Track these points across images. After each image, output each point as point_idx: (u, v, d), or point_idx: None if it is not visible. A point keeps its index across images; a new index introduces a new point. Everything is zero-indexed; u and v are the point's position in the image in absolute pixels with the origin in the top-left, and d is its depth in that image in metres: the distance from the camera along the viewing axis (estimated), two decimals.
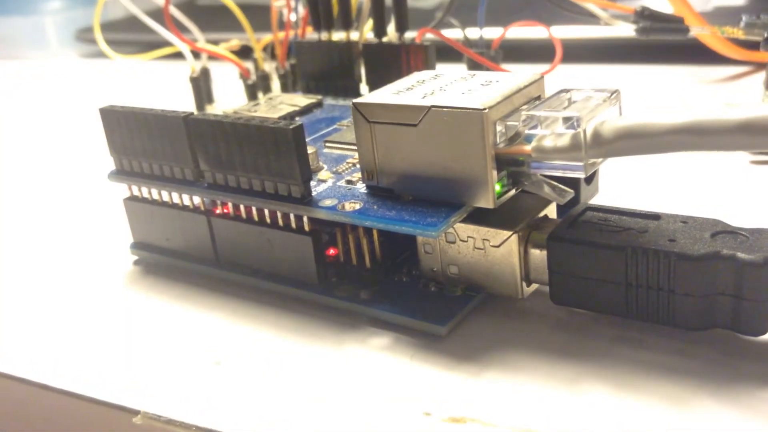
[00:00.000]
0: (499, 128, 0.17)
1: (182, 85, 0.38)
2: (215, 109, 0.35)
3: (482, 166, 0.17)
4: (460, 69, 0.20)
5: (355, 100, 0.19)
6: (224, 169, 0.20)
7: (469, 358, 0.17)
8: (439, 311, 0.18)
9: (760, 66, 0.39)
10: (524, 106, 0.18)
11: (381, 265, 0.20)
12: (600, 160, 0.17)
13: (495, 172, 0.17)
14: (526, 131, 0.17)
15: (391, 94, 0.19)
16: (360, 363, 0.18)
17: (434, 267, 0.19)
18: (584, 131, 0.16)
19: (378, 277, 0.20)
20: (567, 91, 0.18)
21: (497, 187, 0.18)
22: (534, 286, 0.19)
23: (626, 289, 0.17)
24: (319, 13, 0.28)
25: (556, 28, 0.37)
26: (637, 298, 0.17)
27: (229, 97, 0.37)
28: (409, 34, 0.27)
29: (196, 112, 0.34)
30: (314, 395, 0.17)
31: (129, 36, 0.56)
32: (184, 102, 0.37)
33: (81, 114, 0.46)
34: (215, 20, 0.43)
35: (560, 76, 0.32)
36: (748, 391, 0.15)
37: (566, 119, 0.16)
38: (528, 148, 0.17)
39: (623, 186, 0.24)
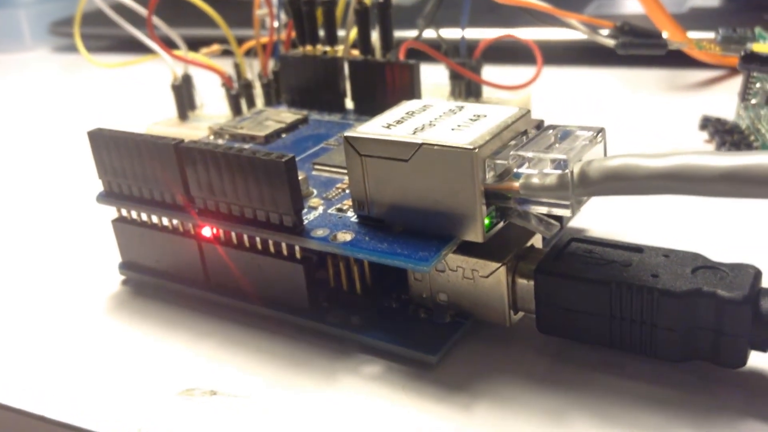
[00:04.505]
0: (488, 164, 0.18)
1: (160, 81, 0.38)
2: (198, 117, 0.35)
3: (472, 202, 0.18)
4: (447, 101, 0.20)
5: (346, 134, 0.19)
6: (215, 196, 0.21)
7: (459, 388, 0.18)
8: (430, 340, 0.19)
9: (735, 70, 0.40)
10: (512, 141, 0.18)
11: (371, 290, 0.20)
12: (586, 198, 0.18)
13: (484, 208, 0.18)
14: (515, 169, 0.17)
15: (382, 127, 0.19)
16: (353, 394, 0.18)
17: (424, 293, 0.20)
18: (571, 172, 0.17)
19: (368, 303, 0.20)
20: (553, 127, 0.18)
21: (486, 221, 0.18)
22: (520, 313, 0.19)
23: (610, 322, 0.17)
24: (304, 27, 0.28)
25: (535, 30, 0.37)
26: (621, 330, 0.17)
27: (212, 102, 0.37)
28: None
29: (180, 120, 0.34)
30: (308, 427, 0.17)
31: (105, 30, 0.56)
32: (163, 100, 0.37)
33: (57, 113, 0.46)
34: (194, 13, 0.42)
35: (539, 80, 0.33)
36: (727, 421, 0.16)
37: (554, 160, 0.17)
38: (516, 184, 0.18)
39: (603, 205, 0.24)
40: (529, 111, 0.19)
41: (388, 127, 0.19)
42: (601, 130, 0.18)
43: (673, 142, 0.31)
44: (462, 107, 0.20)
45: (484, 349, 0.19)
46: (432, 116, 0.19)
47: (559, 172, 0.17)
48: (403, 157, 0.18)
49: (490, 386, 0.18)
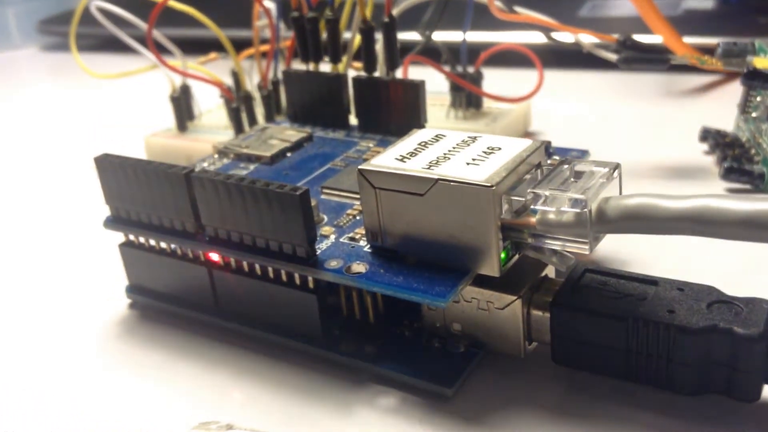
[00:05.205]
0: (504, 200, 0.18)
1: (155, 85, 0.37)
2: (197, 128, 0.35)
3: (488, 237, 0.18)
4: (459, 132, 0.20)
5: (360, 167, 0.19)
6: (226, 225, 0.20)
7: (476, 420, 0.18)
8: (445, 371, 0.19)
9: (732, 75, 0.40)
10: (527, 175, 0.18)
11: (384, 318, 0.21)
12: (603, 235, 0.18)
13: (501, 243, 0.18)
14: (532, 206, 0.18)
15: (395, 160, 0.19)
16: (370, 428, 0.18)
17: (437, 323, 0.20)
18: (589, 210, 0.17)
19: (381, 330, 0.20)
20: (568, 162, 0.18)
21: (502, 255, 0.18)
22: (534, 343, 0.20)
23: (626, 355, 0.18)
24: (307, 45, 0.28)
25: (533, 33, 0.37)
26: (636, 363, 0.18)
27: (211, 111, 0.36)
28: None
29: (179, 132, 0.34)
30: None
31: (95, 30, 0.55)
32: (159, 104, 0.36)
33: (50, 119, 0.45)
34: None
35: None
36: None
37: (571, 199, 0.17)
38: (533, 220, 0.18)
39: None
40: (542, 144, 0.19)
41: (402, 159, 0.19)
42: (617, 166, 0.18)
43: (674, 154, 0.31)
44: (475, 138, 0.20)
45: (498, 378, 0.19)
46: (445, 148, 0.19)
47: (577, 210, 0.17)
48: (418, 192, 0.18)
49: (506, 418, 0.18)
